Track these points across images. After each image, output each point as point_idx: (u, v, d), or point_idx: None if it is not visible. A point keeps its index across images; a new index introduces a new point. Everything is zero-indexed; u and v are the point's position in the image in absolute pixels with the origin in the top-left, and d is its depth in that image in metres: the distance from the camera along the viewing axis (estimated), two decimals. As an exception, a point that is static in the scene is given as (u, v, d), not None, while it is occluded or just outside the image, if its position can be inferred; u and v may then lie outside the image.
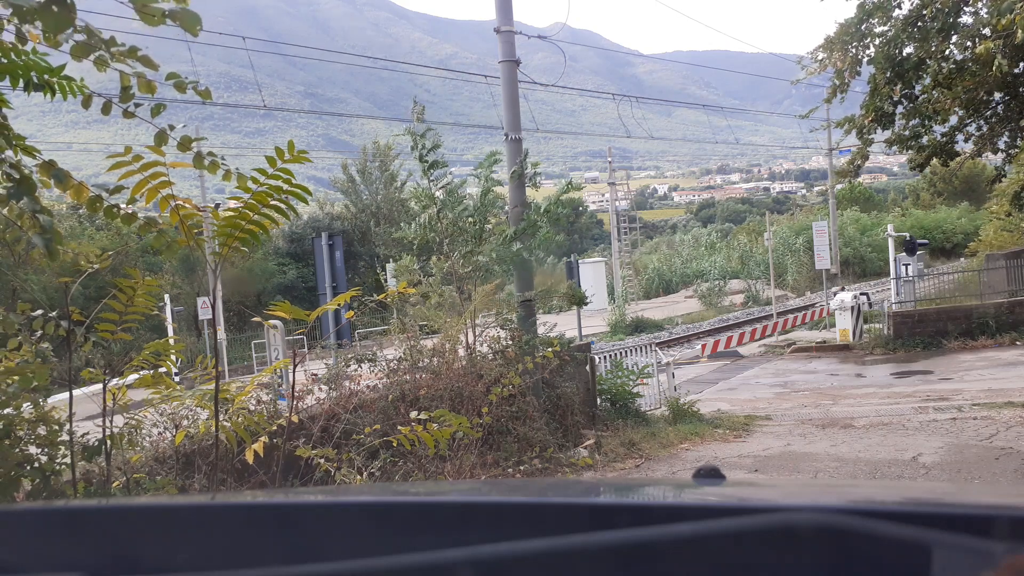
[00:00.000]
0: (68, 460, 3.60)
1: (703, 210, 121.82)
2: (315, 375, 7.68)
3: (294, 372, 3.82)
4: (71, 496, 3.53)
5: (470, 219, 9.19)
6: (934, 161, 15.40)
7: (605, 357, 11.84)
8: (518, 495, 1.43)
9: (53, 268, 3.35)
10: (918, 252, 19.64)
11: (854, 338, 18.18)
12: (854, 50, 12.48)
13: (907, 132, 13.76)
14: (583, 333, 17.37)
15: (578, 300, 10.19)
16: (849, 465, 8.29)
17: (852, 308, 18.24)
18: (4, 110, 2.81)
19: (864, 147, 13.94)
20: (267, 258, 33.43)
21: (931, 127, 14.08)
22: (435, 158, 9.12)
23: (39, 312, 3.40)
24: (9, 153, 2.77)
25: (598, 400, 10.52)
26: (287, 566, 0.97)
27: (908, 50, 12.29)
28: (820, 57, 12.66)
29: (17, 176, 2.70)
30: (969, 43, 11.58)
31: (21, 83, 2.71)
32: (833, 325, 19.07)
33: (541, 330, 9.80)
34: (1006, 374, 13.34)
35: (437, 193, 9.18)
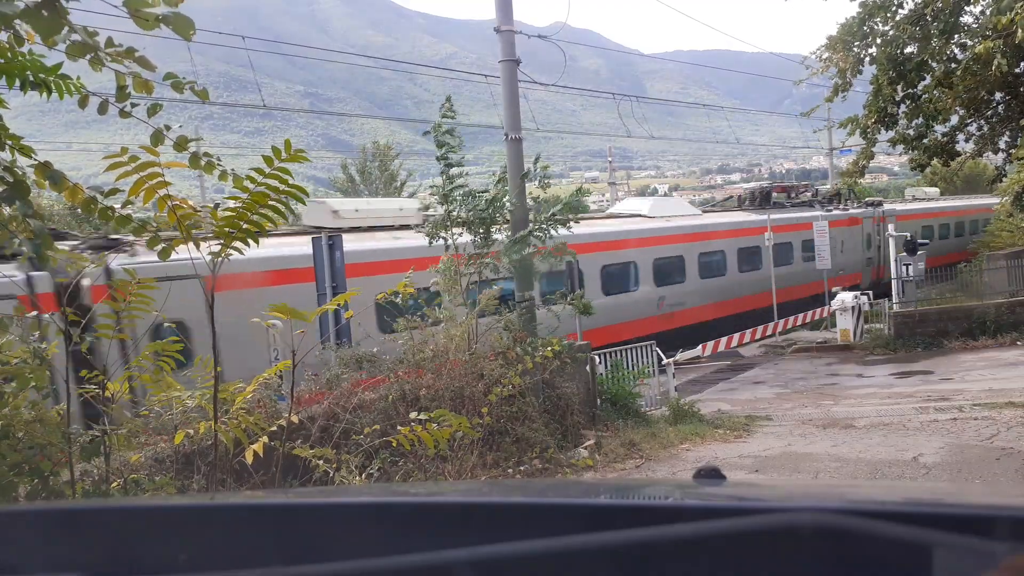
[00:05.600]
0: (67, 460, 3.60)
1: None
2: (315, 375, 7.68)
3: (294, 373, 3.81)
4: (70, 496, 3.53)
5: (476, 220, 9.25)
6: (935, 161, 15.41)
7: (605, 357, 11.84)
8: (518, 495, 1.43)
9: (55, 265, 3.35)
10: (919, 252, 19.62)
11: (855, 338, 18.17)
12: (856, 49, 12.49)
13: (911, 132, 13.77)
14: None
15: (584, 310, 10.19)
16: (850, 465, 8.29)
17: (852, 308, 18.22)
18: (0, 109, 2.81)
19: (869, 147, 13.95)
20: (267, 258, 33.26)
21: (932, 127, 14.09)
22: (453, 157, 9.20)
23: (34, 313, 3.40)
24: (3, 154, 2.77)
25: (598, 400, 10.52)
26: (287, 566, 0.97)
27: (910, 50, 12.30)
28: (824, 56, 12.67)
29: (11, 179, 2.69)
30: (970, 42, 11.60)
31: (17, 82, 2.71)
32: (834, 325, 19.06)
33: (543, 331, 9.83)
34: (1007, 374, 13.33)
35: (456, 193, 9.26)
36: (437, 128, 9.10)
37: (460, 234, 9.40)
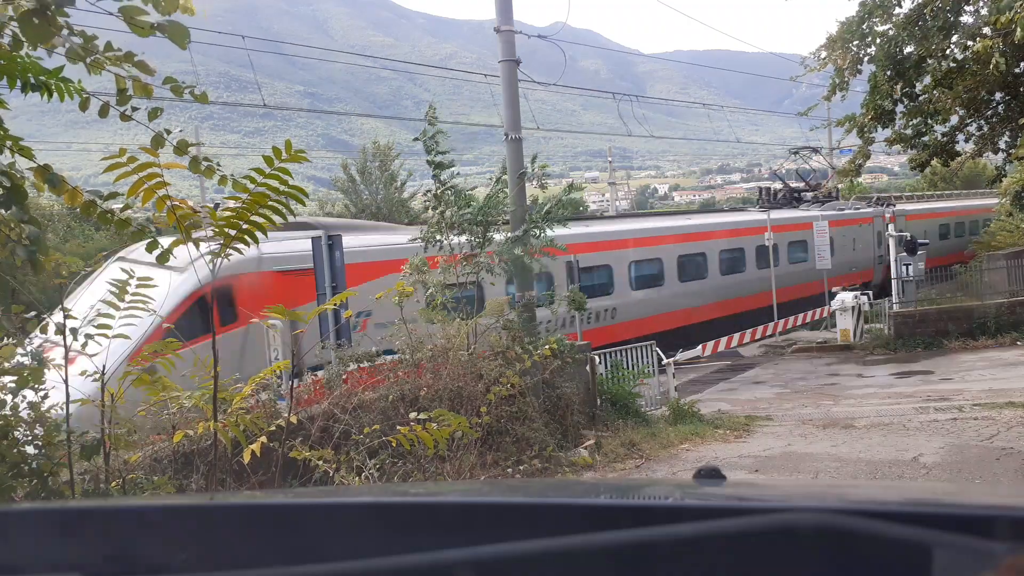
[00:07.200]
0: (66, 460, 3.60)
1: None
2: (315, 375, 7.68)
3: (293, 373, 3.81)
4: (69, 496, 3.52)
5: (473, 220, 9.29)
6: (934, 161, 15.42)
7: (605, 357, 11.84)
8: (518, 495, 1.43)
9: (49, 267, 3.35)
10: (919, 252, 19.61)
11: (855, 338, 18.16)
12: (855, 48, 12.49)
13: (908, 131, 13.77)
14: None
15: (579, 305, 10.30)
16: (850, 465, 8.29)
17: (852, 308, 18.21)
18: (1, 111, 2.81)
19: (865, 146, 13.96)
20: (267, 258, 33.22)
21: (932, 127, 14.09)
22: (442, 159, 9.27)
23: (33, 314, 3.40)
24: (3, 157, 2.76)
25: (598, 400, 10.52)
26: (287, 566, 0.97)
27: (909, 49, 12.30)
28: (823, 55, 12.67)
29: (8, 184, 2.69)
30: (969, 42, 11.59)
31: (19, 84, 2.71)
32: (834, 325, 19.05)
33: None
34: (1007, 374, 13.33)
35: (447, 193, 9.32)
36: (424, 135, 9.24)
37: (457, 235, 9.44)
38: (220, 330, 9.15)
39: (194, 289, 10.11)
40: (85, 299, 7.83)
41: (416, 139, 9.49)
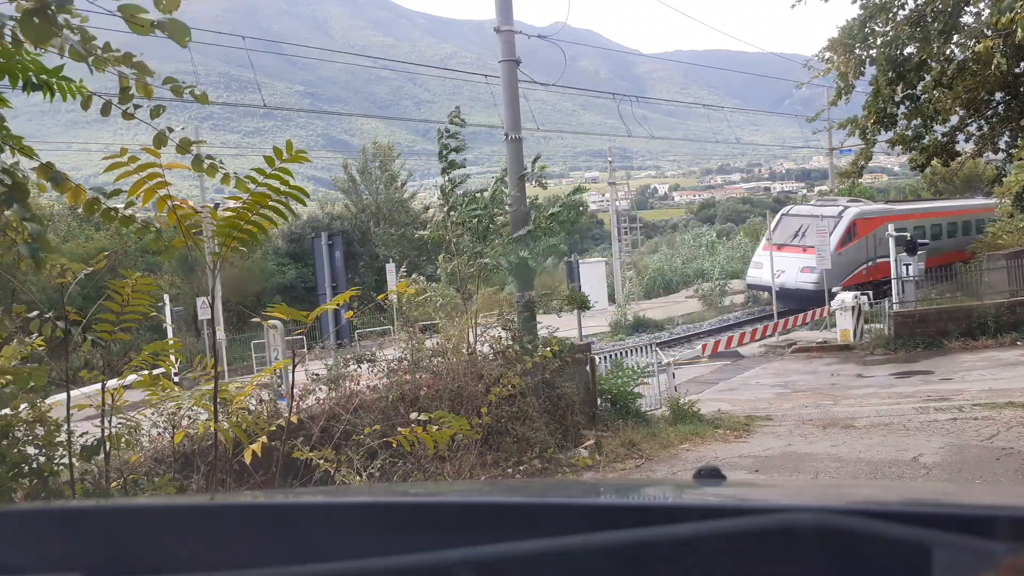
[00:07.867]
0: (66, 460, 3.60)
1: (704, 210, 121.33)
2: (316, 375, 7.68)
3: (293, 372, 3.82)
4: (69, 496, 3.53)
5: (475, 219, 9.30)
6: (935, 161, 15.42)
7: (605, 357, 11.84)
8: (518, 495, 1.43)
9: (51, 270, 3.35)
10: (919, 252, 19.62)
11: (855, 338, 18.16)
12: (858, 51, 12.47)
13: (909, 132, 13.76)
14: (583, 333, 17.39)
15: (581, 303, 10.31)
16: (850, 465, 8.29)
17: (853, 308, 18.22)
18: (2, 110, 2.80)
19: (868, 148, 13.95)
20: (266, 258, 33.30)
21: (932, 127, 14.08)
22: (455, 159, 9.31)
23: (35, 313, 3.40)
24: (4, 155, 2.76)
25: (598, 400, 10.52)
26: (287, 566, 0.97)
27: (909, 50, 12.29)
28: (827, 57, 12.65)
29: (10, 181, 2.69)
30: (970, 43, 11.59)
31: (20, 83, 2.71)
32: (834, 325, 19.06)
33: (543, 332, 9.86)
34: (1007, 374, 13.34)
35: (457, 191, 9.37)
36: (442, 133, 9.29)
37: (461, 234, 9.46)
38: (853, 240, 26.72)
39: (847, 223, 26.48)
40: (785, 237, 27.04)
41: (438, 128, 9.52)
